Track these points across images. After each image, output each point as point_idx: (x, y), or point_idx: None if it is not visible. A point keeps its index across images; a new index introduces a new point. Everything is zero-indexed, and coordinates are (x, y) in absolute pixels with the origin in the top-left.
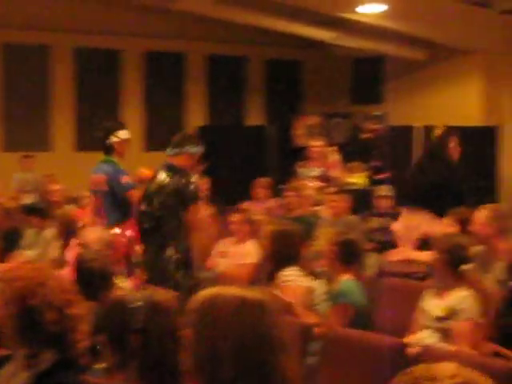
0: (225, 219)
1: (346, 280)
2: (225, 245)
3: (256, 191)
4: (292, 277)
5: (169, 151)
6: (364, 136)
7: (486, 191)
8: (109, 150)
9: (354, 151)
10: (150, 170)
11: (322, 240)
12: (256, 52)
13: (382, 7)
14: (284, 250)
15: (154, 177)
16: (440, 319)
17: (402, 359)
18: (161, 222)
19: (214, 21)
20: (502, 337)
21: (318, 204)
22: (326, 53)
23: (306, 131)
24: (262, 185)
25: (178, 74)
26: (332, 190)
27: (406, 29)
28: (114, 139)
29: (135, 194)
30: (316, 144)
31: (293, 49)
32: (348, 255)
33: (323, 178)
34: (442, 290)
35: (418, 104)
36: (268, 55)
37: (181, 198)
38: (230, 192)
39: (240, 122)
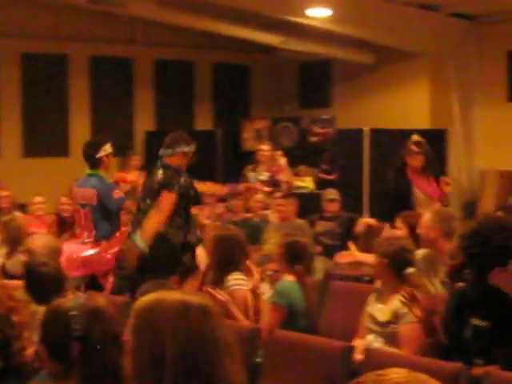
0: None
1: (285, 281)
2: None
3: (205, 196)
4: (236, 281)
5: (163, 151)
6: (312, 140)
7: None
8: (96, 164)
9: (302, 155)
10: (128, 175)
11: (270, 244)
12: (203, 56)
13: (329, 11)
14: (227, 255)
15: (149, 177)
16: (384, 324)
17: (347, 363)
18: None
19: (161, 25)
20: (448, 341)
21: (266, 208)
22: (274, 57)
23: (255, 135)
24: None
25: (125, 79)
26: (279, 194)
27: (353, 32)
28: (102, 153)
29: (128, 205)
30: (264, 148)
31: (240, 53)
32: (293, 257)
33: (271, 182)
34: (384, 294)
35: (366, 107)
36: (215, 59)
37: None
38: None
39: (188, 127)
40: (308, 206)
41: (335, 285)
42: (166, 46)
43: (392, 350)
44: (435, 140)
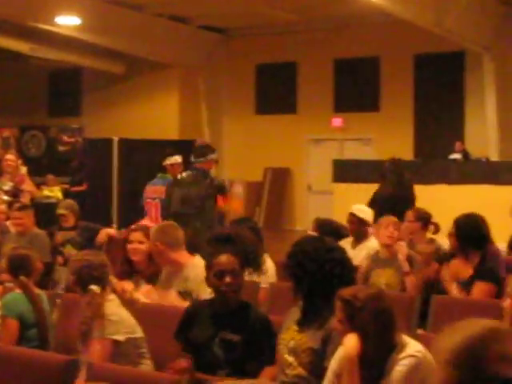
0: None
1: (10, 293)
2: None
3: None
4: None
5: (195, 159)
6: (61, 149)
7: None
8: (163, 169)
9: (50, 164)
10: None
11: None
12: None
13: (78, 20)
14: None
15: (183, 178)
16: None
17: (70, 378)
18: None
19: None
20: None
21: (8, 218)
22: (23, 64)
23: (1, 144)
24: None
25: None
26: (17, 205)
27: (102, 42)
28: (166, 162)
29: None
30: (9, 157)
31: None
32: (16, 269)
33: (14, 191)
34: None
35: (116, 117)
36: None
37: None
38: None
39: None
40: (53, 215)
41: (69, 296)
42: None
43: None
44: (185, 151)
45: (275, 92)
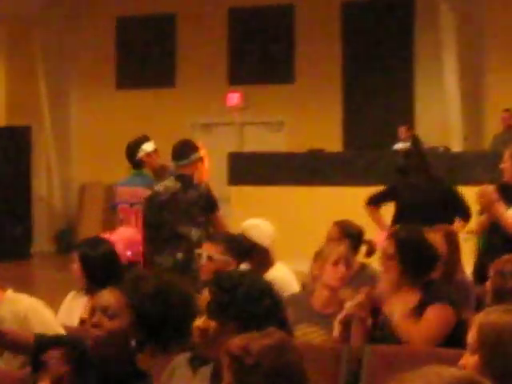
0: None
1: None
2: None
3: None
4: None
5: (176, 162)
6: None
7: None
8: (139, 165)
9: None
10: None
11: None
12: None
13: None
14: None
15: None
16: None
17: None
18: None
19: None
20: None
21: None
22: None
23: None
24: None
25: None
26: None
27: None
28: (140, 154)
29: None
30: None
31: None
32: None
33: None
34: None
35: None
36: None
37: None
38: None
39: None
40: None
41: None
42: None
43: None
44: (14, 142)
45: (145, 57)
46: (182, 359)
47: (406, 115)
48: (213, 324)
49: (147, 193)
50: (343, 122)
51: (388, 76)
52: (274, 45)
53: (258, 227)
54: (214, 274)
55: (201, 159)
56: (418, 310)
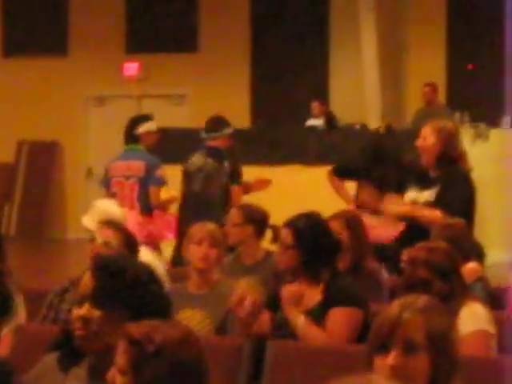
0: None
1: None
2: None
3: None
4: None
5: (206, 135)
6: None
7: None
8: (135, 140)
9: None
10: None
11: None
12: None
13: None
14: None
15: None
16: None
17: None
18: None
19: None
20: None
21: None
22: None
23: None
24: None
25: None
26: None
27: None
28: (141, 129)
29: (158, 193)
30: None
31: None
32: None
33: None
34: None
35: None
36: None
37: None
38: None
39: None
40: None
41: None
42: None
43: None
44: None
45: (32, 21)
46: (50, 359)
47: (321, 89)
48: (97, 313)
49: (142, 166)
50: (251, 95)
51: (301, 44)
52: (176, 10)
53: (106, 212)
54: (94, 257)
55: (232, 134)
56: (322, 310)
